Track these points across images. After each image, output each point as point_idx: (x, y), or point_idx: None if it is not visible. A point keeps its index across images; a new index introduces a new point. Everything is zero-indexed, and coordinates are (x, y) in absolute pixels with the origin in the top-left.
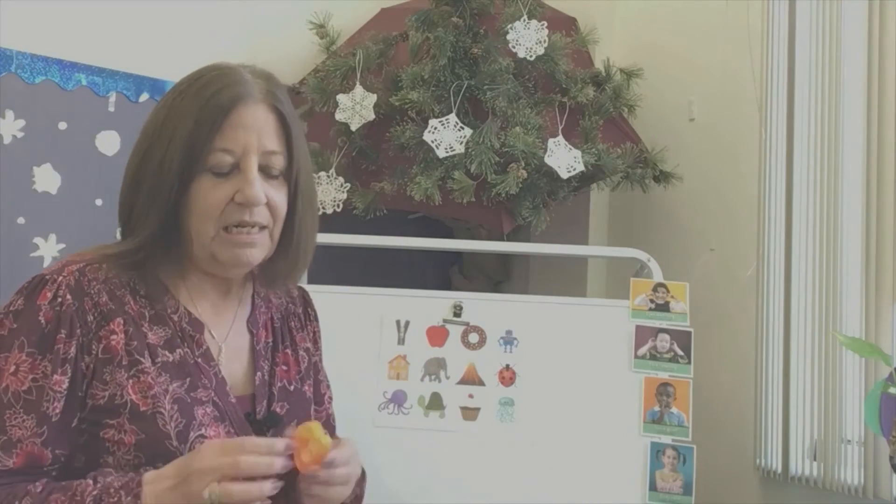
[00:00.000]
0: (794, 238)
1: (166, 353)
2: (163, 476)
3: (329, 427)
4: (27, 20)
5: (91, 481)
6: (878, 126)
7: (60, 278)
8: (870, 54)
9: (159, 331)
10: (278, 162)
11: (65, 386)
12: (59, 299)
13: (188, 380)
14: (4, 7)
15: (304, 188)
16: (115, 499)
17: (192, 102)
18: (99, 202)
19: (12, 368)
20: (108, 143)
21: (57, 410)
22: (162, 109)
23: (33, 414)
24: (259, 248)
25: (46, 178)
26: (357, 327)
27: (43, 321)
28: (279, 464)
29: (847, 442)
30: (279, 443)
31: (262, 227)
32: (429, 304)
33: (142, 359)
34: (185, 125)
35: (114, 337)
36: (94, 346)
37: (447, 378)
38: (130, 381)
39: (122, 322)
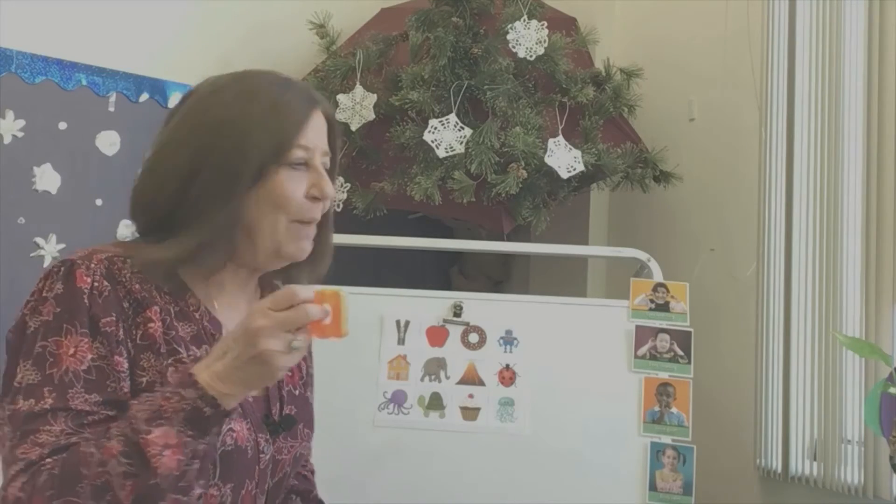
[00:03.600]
0: (794, 238)
1: (193, 348)
2: (214, 356)
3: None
4: (27, 20)
5: (136, 402)
6: (879, 126)
7: (93, 265)
8: (870, 54)
9: (185, 327)
10: (328, 164)
11: (126, 366)
12: (97, 284)
13: None
14: (4, 7)
15: None
16: (175, 399)
17: (275, 102)
18: (99, 202)
19: (71, 350)
20: (108, 143)
21: (126, 390)
22: (220, 107)
23: (96, 393)
24: (310, 242)
25: (46, 178)
26: (357, 327)
27: (87, 303)
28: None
29: (847, 442)
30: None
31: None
32: (429, 304)
33: (179, 348)
34: (269, 124)
35: (151, 325)
36: (133, 332)
37: (447, 378)
38: (169, 369)
39: (158, 310)
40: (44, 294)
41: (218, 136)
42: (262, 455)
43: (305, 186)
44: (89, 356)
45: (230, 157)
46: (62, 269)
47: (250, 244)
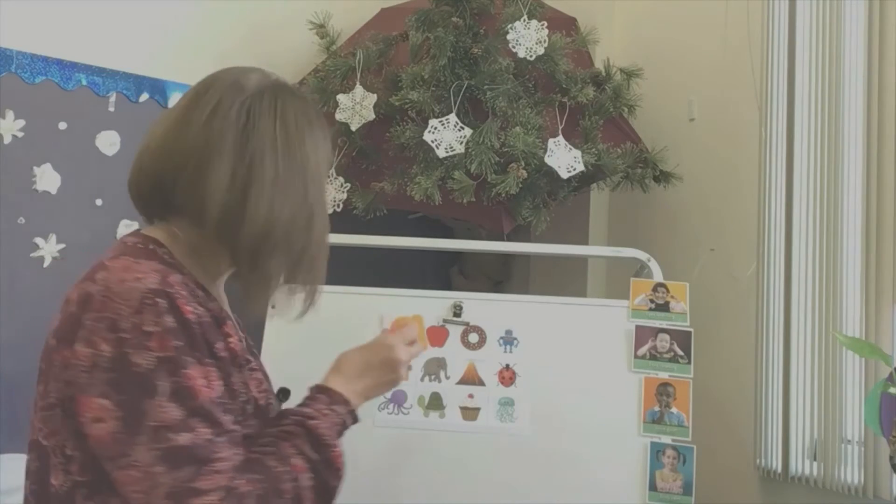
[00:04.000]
0: (794, 238)
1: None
2: (352, 377)
3: None
4: (27, 20)
5: (299, 417)
6: (879, 126)
7: (183, 292)
8: (870, 54)
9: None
10: None
11: (237, 384)
12: (199, 311)
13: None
14: (4, 7)
15: None
16: (333, 415)
17: (325, 133)
18: (99, 202)
19: (203, 382)
20: (108, 143)
21: (250, 410)
22: (307, 142)
23: (230, 415)
24: None
25: (46, 178)
26: (357, 327)
27: (199, 331)
28: None
29: (847, 442)
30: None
31: None
32: (429, 304)
33: (249, 356)
34: (329, 157)
35: (230, 339)
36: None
37: (447, 378)
38: (248, 378)
39: (231, 324)
40: (146, 329)
41: (319, 175)
42: None
43: None
44: (219, 383)
45: (324, 189)
46: (159, 300)
47: None
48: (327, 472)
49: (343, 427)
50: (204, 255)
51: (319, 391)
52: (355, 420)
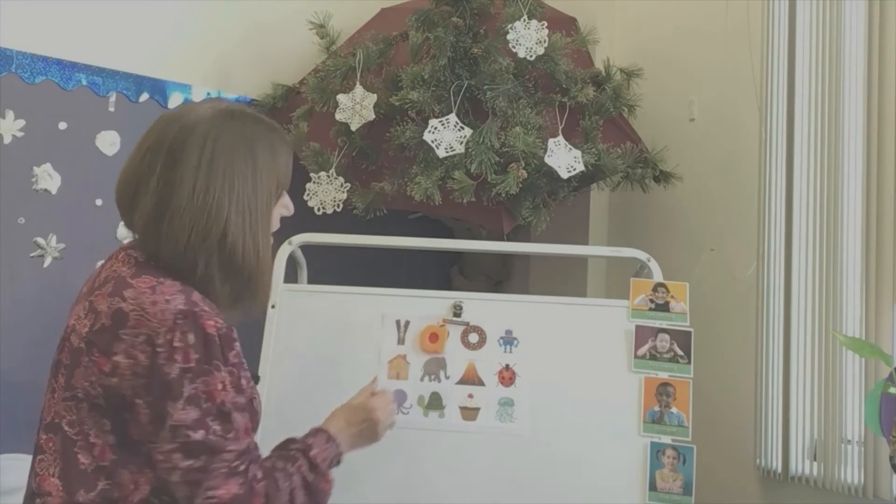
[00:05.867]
0: (794, 238)
1: None
2: (342, 425)
3: None
4: (27, 20)
5: (301, 447)
6: (879, 126)
7: (205, 307)
8: (870, 54)
9: None
10: None
11: (245, 383)
12: (219, 323)
13: None
14: (4, 7)
15: None
16: (328, 451)
17: (285, 155)
18: (99, 202)
19: (220, 386)
20: (108, 143)
21: (256, 405)
22: (250, 153)
23: (242, 413)
24: None
25: (46, 178)
26: (357, 327)
27: (217, 343)
28: None
29: (847, 442)
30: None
31: None
32: (429, 304)
33: (243, 360)
34: (276, 173)
35: (236, 343)
36: None
37: (447, 378)
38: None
39: (234, 331)
40: (175, 344)
41: (251, 194)
42: None
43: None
44: (231, 388)
45: (269, 206)
46: (186, 319)
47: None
48: (318, 493)
49: (333, 463)
50: None
51: (320, 431)
52: (339, 462)
